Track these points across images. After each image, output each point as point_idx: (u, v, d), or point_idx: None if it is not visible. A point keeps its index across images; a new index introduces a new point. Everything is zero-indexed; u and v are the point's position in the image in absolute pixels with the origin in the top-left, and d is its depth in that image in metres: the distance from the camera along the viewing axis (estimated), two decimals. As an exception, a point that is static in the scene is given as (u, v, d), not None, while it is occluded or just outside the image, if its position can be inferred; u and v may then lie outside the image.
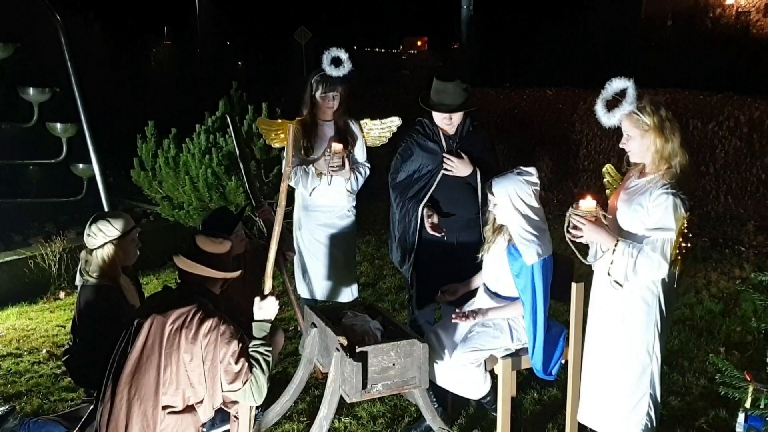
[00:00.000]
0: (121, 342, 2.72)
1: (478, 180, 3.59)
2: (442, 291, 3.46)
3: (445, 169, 3.62)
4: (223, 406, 2.86)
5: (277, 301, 2.91)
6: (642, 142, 2.82)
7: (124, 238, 3.36)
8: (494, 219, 3.24)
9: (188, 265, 2.75)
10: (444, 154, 3.63)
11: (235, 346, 2.65)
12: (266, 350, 2.76)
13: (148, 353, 2.63)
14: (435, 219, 3.59)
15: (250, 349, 2.74)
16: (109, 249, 3.31)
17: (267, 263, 3.02)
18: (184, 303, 2.69)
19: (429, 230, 3.59)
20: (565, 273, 3.19)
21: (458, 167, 3.60)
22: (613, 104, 2.84)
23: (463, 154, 3.63)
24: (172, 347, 2.62)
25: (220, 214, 3.48)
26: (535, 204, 3.09)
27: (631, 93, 2.78)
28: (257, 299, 2.89)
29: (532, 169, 3.15)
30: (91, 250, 3.34)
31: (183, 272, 2.81)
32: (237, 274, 2.91)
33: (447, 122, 3.65)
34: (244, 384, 2.67)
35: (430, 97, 3.63)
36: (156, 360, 2.62)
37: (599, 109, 2.86)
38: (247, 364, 2.68)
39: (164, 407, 2.61)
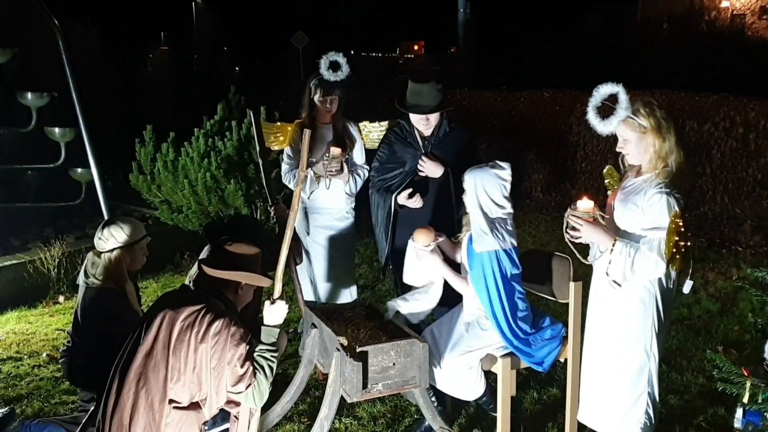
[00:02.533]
0: (129, 341, 2.73)
1: (451, 182, 3.57)
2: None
3: (419, 171, 3.62)
4: (225, 406, 2.87)
5: (287, 306, 2.91)
6: (640, 144, 2.81)
7: (134, 246, 3.38)
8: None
9: (213, 272, 2.77)
10: (422, 155, 3.63)
11: (242, 348, 2.66)
12: (272, 356, 2.76)
13: (158, 347, 2.64)
14: (406, 192, 3.61)
15: (256, 354, 2.74)
16: (117, 254, 3.33)
17: (278, 267, 2.99)
18: (196, 302, 2.70)
19: (405, 201, 3.61)
20: (541, 266, 3.31)
21: (430, 168, 3.60)
22: (603, 110, 2.79)
23: (436, 156, 3.63)
24: (181, 344, 2.63)
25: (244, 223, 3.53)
26: (500, 199, 3.02)
27: (623, 98, 2.73)
28: (267, 303, 2.87)
29: (505, 165, 3.09)
30: (100, 253, 3.36)
31: (200, 277, 2.83)
32: (263, 280, 2.90)
33: (424, 123, 3.65)
34: (246, 387, 2.68)
35: (406, 99, 3.63)
36: (165, 355, 2.63)
37: (592, 118, 2.80)
38: (251, 368, 2.68)
39: (170, 401, 2.62)
